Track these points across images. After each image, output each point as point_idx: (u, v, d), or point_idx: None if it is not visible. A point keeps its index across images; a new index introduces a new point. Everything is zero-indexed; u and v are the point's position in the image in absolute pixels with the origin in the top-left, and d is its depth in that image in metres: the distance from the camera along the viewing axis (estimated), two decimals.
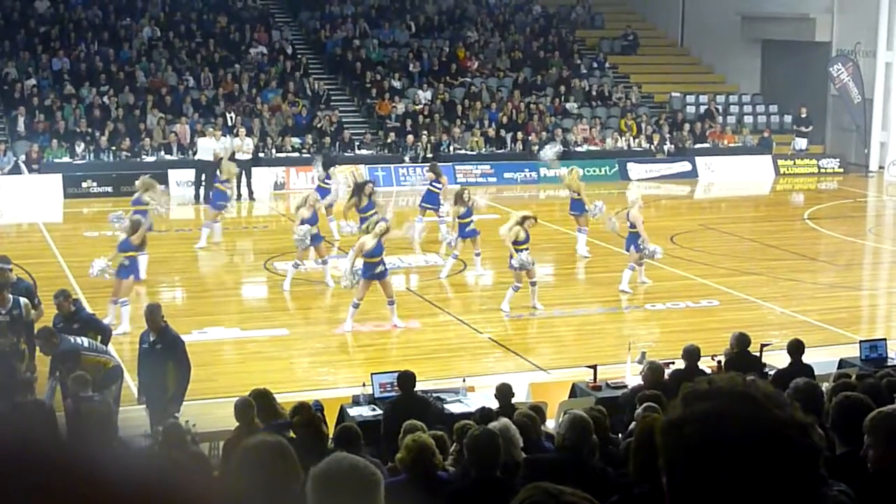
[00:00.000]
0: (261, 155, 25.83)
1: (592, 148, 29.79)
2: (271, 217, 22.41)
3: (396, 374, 8.33)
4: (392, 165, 27.13)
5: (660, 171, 29.21)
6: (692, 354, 8.85)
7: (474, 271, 16.00)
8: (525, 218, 13.98)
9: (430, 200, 19.06)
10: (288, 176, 26.17)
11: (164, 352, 8.84)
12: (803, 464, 1.35)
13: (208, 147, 23.52)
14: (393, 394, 8.83)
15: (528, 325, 13.32)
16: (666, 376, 8.50)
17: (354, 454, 2.97)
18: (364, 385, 9.02)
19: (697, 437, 1.35)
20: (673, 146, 29.90)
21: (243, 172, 24.24)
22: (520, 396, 9.04)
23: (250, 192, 24.42)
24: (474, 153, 28.72)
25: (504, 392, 7.98)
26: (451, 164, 27.69)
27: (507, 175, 27.62)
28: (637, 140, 29.94)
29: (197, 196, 23.71)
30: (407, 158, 27.85)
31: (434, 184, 17.47)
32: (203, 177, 23.28)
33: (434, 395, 8.85)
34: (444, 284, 15.57)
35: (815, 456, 1.37)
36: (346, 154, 27.25)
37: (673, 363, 9.15)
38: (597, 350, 12.05)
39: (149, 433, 7.31)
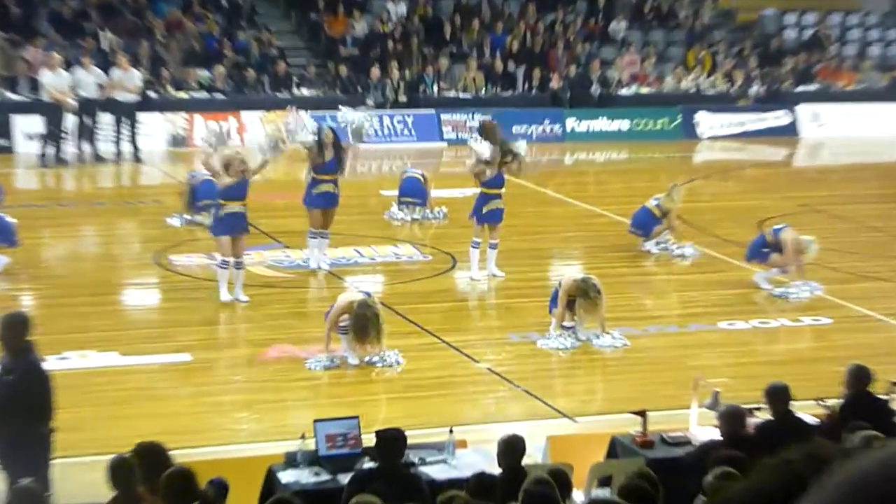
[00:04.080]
0: (151, 95, 25.80)
1: (645, 90, 29.97)
2: (166, 187, 22.34)
3: (375, 433, 8.32)
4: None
5: (744, 124, 29.37)
6: (778, 397, 8.89)
7: (482, 272, 16.00)
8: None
9: (414, 192, 19.41)
10: (191, 126, 26.18)
11: (18, 384, 8.82)
12: None
13: (56, 84, 23.46)
14: (346, 451, 8.84)
15: (544, 352, 13.36)
16: (750, 428, 8.55)
17: None
18: (303, 437, 9.03)
19: None
20: (764, 88, 30.09)
21: (122, 120, 24.26)
22: (533, 455, 9.05)
23: (135, 150, 24.42)
24: (470, 96, 28.79)
25: (511, 449, 8.01)
26: (434, 111, 27.77)
27: (517, 129, 27.71)
28: (711, 79, 30.12)
29: (43, 155, 23.68)
30: (370, 102, 27.86)
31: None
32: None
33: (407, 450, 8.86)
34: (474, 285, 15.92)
35: None
36: (278, 95, 27.27)
37: (760, 409, 9.21)
38: (647, 388, 12.10)
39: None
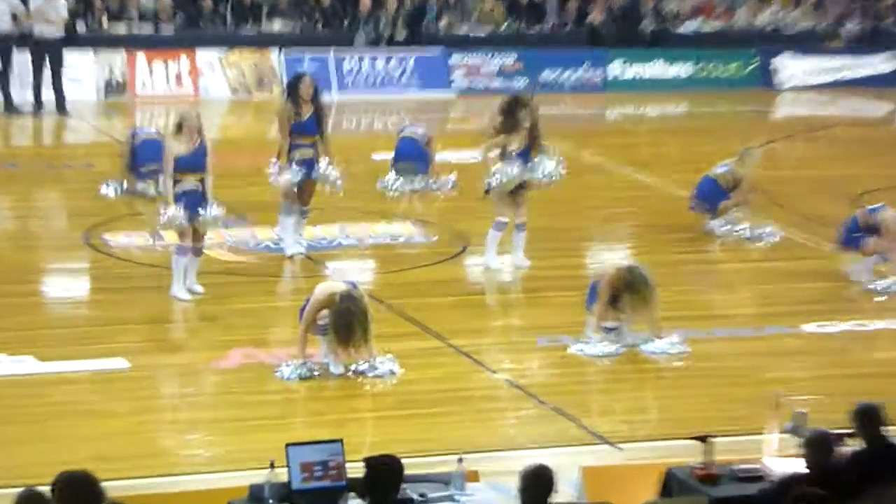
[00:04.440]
0: (80, 29, 25.77)
1: (711, 27, 29.91)
2: (99, 146, 22.35)
3: (364, 461, 8.32)
4: (331, 53, 27.20)
5: (836, 71, 29.28)
6: (868, 420, 8.86)
7: (503, 258, 16.03)
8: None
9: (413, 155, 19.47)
10: (132, 69, 26.14)
11: None
12: None
13: None
14: (326, 484, 8.84)
15: (580, 360, 13.37)
16: (840, 458, 8.53)
17: None
18: (272, 466, 9.05)
19: None
20: (861, 26, 30.02)
21: (43, 60, 24.18)
22: (565, 492, 9.03)
23: (60, 99, 24.38)
24: (486, 33, 28.72)
25: (536, 484, 8.00)
26: (440, 51, 27.74)
27: (546, 74, 27.73)
28: (795, 13, 30.05)
29: None
30: (359, 39, 27.86)
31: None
32: None
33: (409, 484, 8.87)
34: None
35: None
36: (244, 32, 27.23)
37: (853, 434, 9.18)
38: (712, 407, 12.11)
39: None
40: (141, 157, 18.03)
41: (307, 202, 16.08)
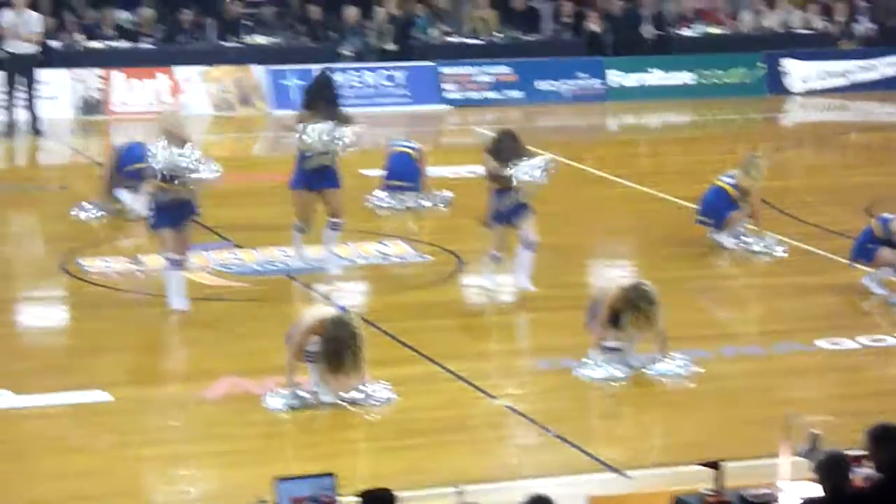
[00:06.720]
0: (54, 45, 25.76)
1: (715, 31, 29.95)
2: (75, 166, 22.32)
3: (361, 496, 8.31)
4: (315, 66, 27.16)
5: (848, 74, 29.27)
6: (889, 443, 8.81)
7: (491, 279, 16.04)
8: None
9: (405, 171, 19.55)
10: (108, 85, 26.12)
11: None
12: None
13: None
14: None
15: (584, 384, 13.35)
16: (860, 481, 8.50)
17: None
18: (260, 503, 9.04)
19: None
20: (875, 27, 30.05)
21: (16, 79, 24.13)
22: None
23: (34, 119, 24.35)
24: (482, 41, 28.74)
25: None
26: (432, 63, 27.75)
27: (541, 86, 27.75)
28: (803, 14, 30.09)
29: None
30: (346, 52, 27.88)
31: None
32: None
33: None
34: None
35: None
36: (224, 44, 27.25)
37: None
38: (722, 430, 12.09)
39: None
40: (126, 159, 18.10)
41: (336, 213, 16.10)
